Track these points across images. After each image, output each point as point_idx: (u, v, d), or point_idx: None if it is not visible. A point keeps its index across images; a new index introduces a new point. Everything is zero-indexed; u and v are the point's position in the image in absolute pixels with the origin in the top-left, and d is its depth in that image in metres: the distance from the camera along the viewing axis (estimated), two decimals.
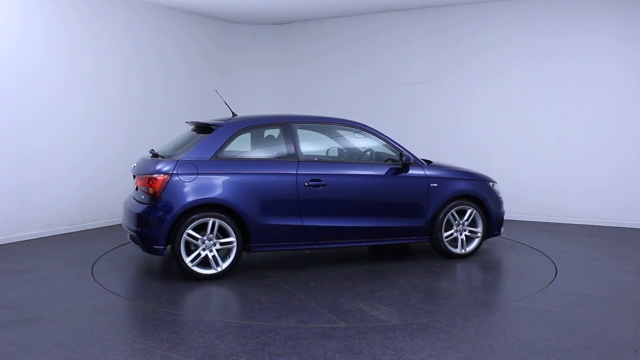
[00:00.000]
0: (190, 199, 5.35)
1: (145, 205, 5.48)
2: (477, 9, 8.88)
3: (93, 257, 6.40)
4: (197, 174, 5.44)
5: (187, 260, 5.37)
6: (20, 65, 7.10)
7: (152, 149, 6.13)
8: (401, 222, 6.11)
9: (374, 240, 6.12)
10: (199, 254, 5.41)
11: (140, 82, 8.72)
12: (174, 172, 5.41)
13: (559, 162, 8.44)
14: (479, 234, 6.35)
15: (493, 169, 8.62)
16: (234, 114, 6.45)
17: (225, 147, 5.66)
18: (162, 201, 5.36)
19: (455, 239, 6.29)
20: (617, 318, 4.45)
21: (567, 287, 5.26)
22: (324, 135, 6.40)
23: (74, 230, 7.78)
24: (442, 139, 9.16)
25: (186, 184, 5.39)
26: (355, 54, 9.92)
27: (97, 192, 8.12)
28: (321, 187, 5.75)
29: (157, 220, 5.35)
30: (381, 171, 6.05)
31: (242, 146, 5.85)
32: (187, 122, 6.40)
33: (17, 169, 7.11)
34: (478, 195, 6.32)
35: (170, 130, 9.22)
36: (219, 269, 5.45)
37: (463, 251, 6.30)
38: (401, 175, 6.08)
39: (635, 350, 3.82)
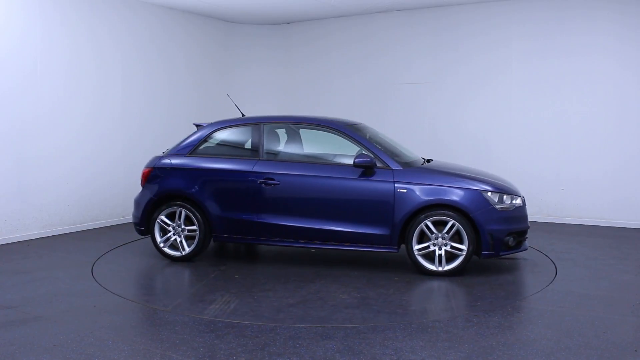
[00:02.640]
0: (159, 189, 6.23)
1: (138, 194, 6.48)
2: (477, 9, 8.88)
3: (93, 257, 6.40)
4: (171, 168, 6.26)
5: (159, 240, 6.23)
6: (21, 66, 7.09)
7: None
8: (360, 228, 5.71)
9: (330, 243, 5.85)
10: (169, 237, 6.22)
11: (142, 82, 8.72)
12: (154, 166, 6.34)
13: (559, 162, 8.44)
14: (464, 251, 5.51)
15: (492, 170, 8.60)
16: (242, 115, 6.87)
17: (201, 145, 6.35)
18: (143, 190, 6.36)
19: (435, 252, 5.59)
20: (617, 318, 4.45)
21: (567, 287, 5.26)
22: (296, 136, 6.41)
23: (74, 230, 7.78)
24: (443, 139, 9.16)
25: (161, 176, 6.27)
26: (355, 54, 9.92)
27: (97, 192, 8.12)
28: (273, 185, 5.93)
29: (138, 206, 6.35)
30: (340, 173, 5.79)
31: (217, 144, 6.41)
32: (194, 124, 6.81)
33: (17, 169, 7.11)
34: (460, 205, 5.49)
35: (173, 130, 9.23)
36: (184, 252, 6.18)
37: (440, 269, 5.56)
38: (363, 178, 5.70)
39: (635, 350, 3.82)
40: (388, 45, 9.62)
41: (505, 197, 5.65)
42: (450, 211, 5.53)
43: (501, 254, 5.60)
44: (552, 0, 8.35)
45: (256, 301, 4.90)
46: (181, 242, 6.18)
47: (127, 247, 6.93)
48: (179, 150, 6.37)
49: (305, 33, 10.41)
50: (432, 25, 9.25)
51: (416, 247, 5.61)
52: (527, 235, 5.89)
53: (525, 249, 5.89)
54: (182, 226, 6.17)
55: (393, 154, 6.05)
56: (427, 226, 5.55)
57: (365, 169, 5.70)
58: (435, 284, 5.45)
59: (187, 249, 6.18)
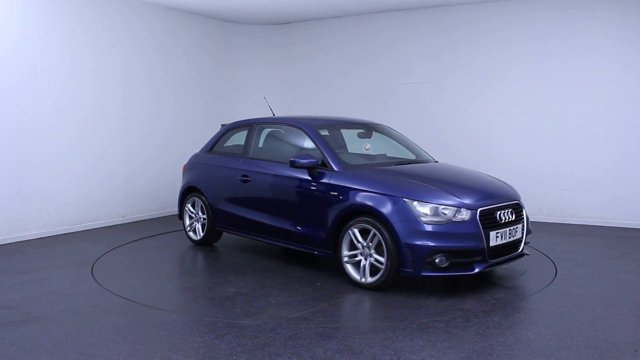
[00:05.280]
0: (185, 181, 7.09)
1: None
2: (477, 10, 8.88)
3: (93, 257, 6.40)
4: (195, 163, 7.06)
5: (186, 224, 7.06)
6: (20, 66, 7.09)
7: None
8: (305, 230, 5.67)
9: (288, 242, 5.91)
10: (193, 223, 6.99)
11: (143, 82, 8.71)
12: (189, 161, 7.22)
13: (559, 162, 8.44)
14: (383, 265, 5.00)
15: (493, 170, 8.61)
16: (273, 115, 7.32)
17: (217, 144, 7.00)
18: (182, 182, 7.23)
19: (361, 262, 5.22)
20: (617, 318, 4.45)
21: (567, 287, 5.26)
22: (282, 136, 6.51)
23: (74, 230, 7.78)
24: (444, 139, 9.14)
25: (189, 171, 7.10)
26: (355, 54, 9.91)
27: (97, 192, 8.11)
28: (247, 182, 6.26)
29: (179, 195, 7.25)
30: (296, 173, 5.75)
31: (227, 143, 6.97)
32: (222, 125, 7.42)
33: (17, 169, 7.11)
34: (378, 213, 5.00)
35: (175, 130, 9.26)
36: (199, 237, 6.93)
37: (363, 280, 5.15)
38: (310, 179, 5.60)
39: (636, 350, 3.82)
40: (388, 45, 9.62)
41: (441, 209, 4.89)
42: (373, 219, 5.06)
43: (424, 274, 4.86)
44: (552, 1, 8.35)
45: (153, 283, 5.48)
46: (198, 228, 6.96)
47: (127, 247, 6.93)
48: (203, 148, 7.17)
49: (305, 33, 10.40)
50: (432, 26, 9.25)
51: (345, 253, 5.28)
52: (480, 257, 4.92)
53: (473, 271, 4.92)
54: (199, 214, 6.90)
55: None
56: (354, 233, 5.20)
57: (308, 170, 5.60)
58: (341, 294, 5.10)
59: (201, 235, 6.91)
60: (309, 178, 5.61)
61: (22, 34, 7.09)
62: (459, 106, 9.10)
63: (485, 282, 5.44)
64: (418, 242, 4.83)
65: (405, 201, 4.96)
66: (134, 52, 8.56)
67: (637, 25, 7.86)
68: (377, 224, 5.02)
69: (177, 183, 9.36)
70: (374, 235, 5.05)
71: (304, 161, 5.52)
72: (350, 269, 5.28)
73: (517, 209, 5.41)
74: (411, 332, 4.15)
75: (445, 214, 4.89)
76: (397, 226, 4.90)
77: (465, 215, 4.91)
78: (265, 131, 6.60)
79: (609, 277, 5.58)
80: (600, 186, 8.19)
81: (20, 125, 7.12)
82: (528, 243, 5.63)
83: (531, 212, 8.60)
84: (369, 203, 5.09)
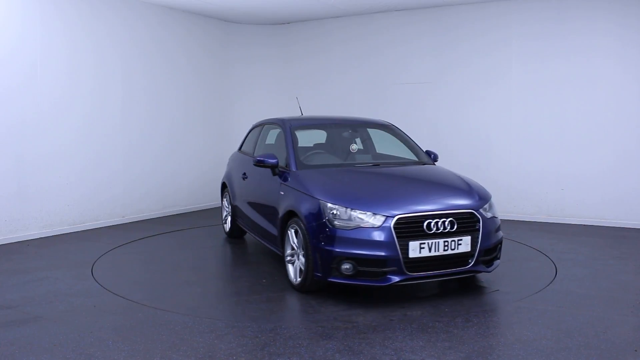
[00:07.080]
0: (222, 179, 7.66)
1: None
2: (477, 10, 8.88)
3: (93, 257, 6.40)
4: (230, 161, 7.57)
5: (223, 217, 7.59)
6: (20, 66, 7.09)
7: None
8: (267, 227, 5.78)
9: (261, 238, 6.14)
10: (226, 217, 7.47)
11: (143, 82, 8.71)
12: (229, 159, 7.68)
13: (559, 162, 8.44)
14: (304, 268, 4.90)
15: (493, 170, 8.63)
16: (301, 114, 7.61)
17: (244, 143, 7.44)
18: None
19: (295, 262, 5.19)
20: (617, 318, 4.45)
21: (567, 287, 5.26)
22: (275, 136, 6.66)
23: (74, 230, 7.78)
24: (444, 139, 9.14)
25: (226, 167, 7.66)
26: (355, 54, 9.91)
27: (97, 192, 8.11)
28: (245, 179, 6.65)
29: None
30: (266, 171, 5.87)
31: (248, 142, 7.30)
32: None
33: (17, 168, 7.11)
34: (300, 215, 4.90)
35: (175, 129, 9.24)
36: (227, 230, 7.42)
37: (295, 281, 5.08)
38: (272, 177, 5.69)
39: (635, 350, 3.82)
40: (388, 45, 9.62)
41: (355, 214, 4.61)
42: (298, 219, 4.95)
43: (331, 280, 4.67)
44: (552, 1, 8.35)
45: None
46: (229, 221, 7.36)
47: (127, 247, 6.93)
48: (237, 147, 7.65)
49: (305, 32, 10.40)
50: (432, 26, 9.25)
51: (288, 252, 5.19)
52: (394, 268, 4.52)
53: (387, 283, 4.54)
54: (228, 208, 7.35)
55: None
56: (290, 234, 5.12)
57: (271, 168, 5.71)
58: (266, 293, 5.09)
59: (227, 227, 7.41)
60: (275, 177, 5.70)
61: (22, 34, 7.09)
62: (459, 106, 9.10)
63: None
64: (324, 246, 4.63)
65: (321, 203, 4.74)
66: (134, 52, 8.56)
67: (637, 25, 7.86)
68: (301, 224, 4.90)
69: (177, 183, 9.37)
70: (300, 236, 4.96)
71: (272, 161, 5.63)
72: (290, 268, 5.19)
73: (468, 219, 4.80)
74: (411, 332, 4.15)
75: (358, 219, 4.59)
76: (310, 228, 4.75)
77: (377, 221, 4.56)
78: (266, 131, 6.87)
79: (609, 277, 5.58)
80: (600, 186, 8.19)
81: (20, 125, 7.12)
82: (497, 258, 5.13)
83: (531, 212, 8.62)
84: (295, 204, 5.06)
